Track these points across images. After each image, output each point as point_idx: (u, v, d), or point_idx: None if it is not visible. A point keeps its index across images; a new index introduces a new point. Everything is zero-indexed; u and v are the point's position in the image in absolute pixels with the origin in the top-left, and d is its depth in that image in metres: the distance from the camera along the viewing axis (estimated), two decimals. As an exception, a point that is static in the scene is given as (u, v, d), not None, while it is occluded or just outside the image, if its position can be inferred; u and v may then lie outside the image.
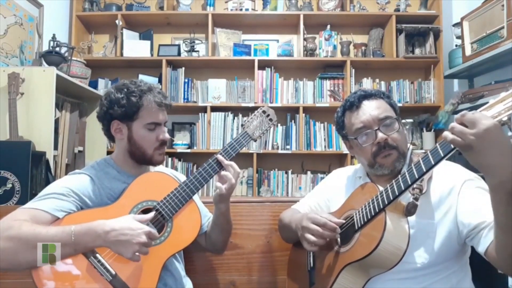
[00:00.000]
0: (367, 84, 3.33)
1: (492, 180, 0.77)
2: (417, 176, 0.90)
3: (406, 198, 0.99)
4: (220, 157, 1.19)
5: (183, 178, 1.33)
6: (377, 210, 0.97)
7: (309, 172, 3.30)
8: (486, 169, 0.76)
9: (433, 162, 0.86)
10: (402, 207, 0.97)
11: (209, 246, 1.31)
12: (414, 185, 0.96)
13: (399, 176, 0.95)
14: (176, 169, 3.18)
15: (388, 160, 1.08)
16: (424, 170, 0.88)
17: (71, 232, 0.97)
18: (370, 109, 1.11)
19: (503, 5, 2.41)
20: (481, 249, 0.93)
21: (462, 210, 0.99)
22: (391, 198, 0.94)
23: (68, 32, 3.29)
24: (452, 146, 0.81)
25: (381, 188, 1.00)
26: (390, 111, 1.12)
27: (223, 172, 1.17)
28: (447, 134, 0.78)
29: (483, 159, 0.75)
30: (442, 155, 0.84)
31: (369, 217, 0.98)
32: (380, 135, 1.07)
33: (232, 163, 1.19)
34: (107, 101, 1.18)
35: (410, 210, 0.96)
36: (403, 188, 0.93)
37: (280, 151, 3.20)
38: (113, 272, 1.01)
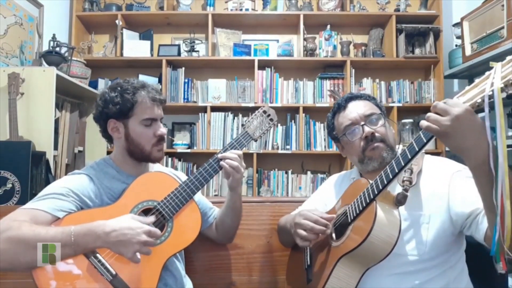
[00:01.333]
0: (367, 84, 3.33)
1: (471, 163, 0.79)
2: (403, 164, 0.92)
3: (397, 190, 1.01)
4: (220, 156, 1.19)
5: (183, 176, 1.34)
6: (368, 201, 0.99)
7: (309, 172, 3.30)
8: (464, 152, 0.79)
9: (417, 148, 0.89)
10: (392, 198, 1.00)
11: (220, 236, 1.34)
12: (404, 178, 1.00)
13: (387, 166, 0.97)
14: (176, 169, 3.17)
15: (376, 152, 1.12)
16: (410, 156, 0.91)
17: (71, 233, 0.97)
18: (357, 108, 1.18)
19: (503, 5, 2.41)
20: (479, 236, 0.94)
21: (454, 200, 1.01)
22: (380, 188, 0.97)
23: (68, 32, 3.29)
24: None
25: (371, 181, 1.02)
26: (376, 110, 1.18)
27: (221, 156, 1.18)
28: (422, 122, 0.82)
29: (459, 143, 0.78)
30: (425, 140, 0.87)
31: (360, 208, 1.01)
32: (367, 129, 1.13)
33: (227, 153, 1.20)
34: (102, 101, 1.19)
35: (400, 200, 0.99)
36: (391, 177, 0.95)
37: (280, 151, 3.19)
38: (114, 272, 1.00)
